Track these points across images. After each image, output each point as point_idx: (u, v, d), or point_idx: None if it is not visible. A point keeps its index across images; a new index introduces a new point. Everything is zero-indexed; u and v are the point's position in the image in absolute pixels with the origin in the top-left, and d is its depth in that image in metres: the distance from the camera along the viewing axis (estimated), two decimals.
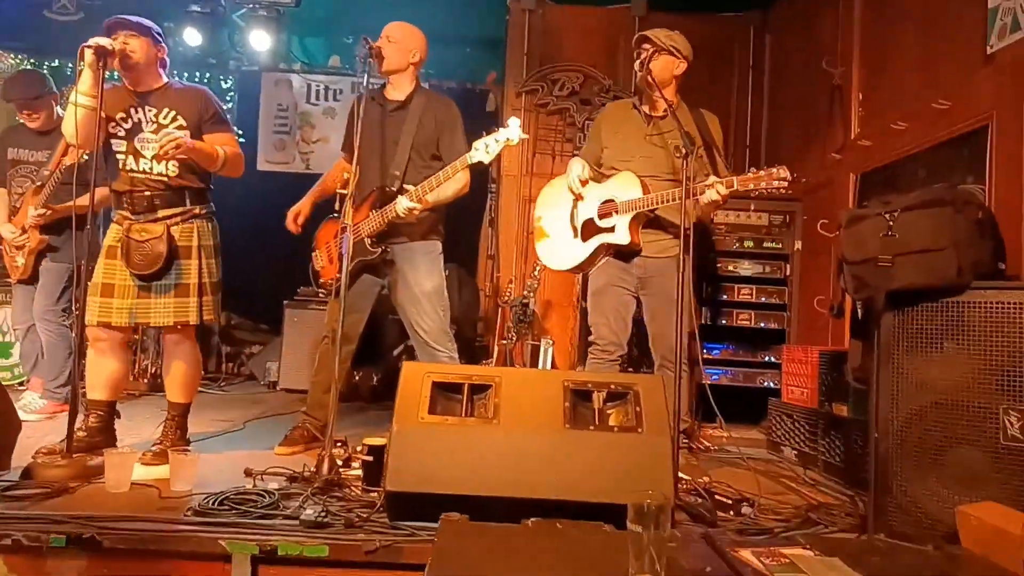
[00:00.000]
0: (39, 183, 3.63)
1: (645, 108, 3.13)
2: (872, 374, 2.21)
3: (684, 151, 2.57)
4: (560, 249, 3.16)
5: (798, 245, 4.10)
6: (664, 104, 2.97)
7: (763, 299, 4.07)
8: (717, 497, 2.42)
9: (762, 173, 2.66)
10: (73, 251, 3.57)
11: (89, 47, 2.58)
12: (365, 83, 2.89)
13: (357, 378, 4.64)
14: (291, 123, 6.36)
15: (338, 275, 2.68)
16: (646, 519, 1.50)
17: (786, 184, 2.62)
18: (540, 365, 4.19)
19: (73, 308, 4.09)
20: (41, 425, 3.28)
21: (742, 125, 5.27)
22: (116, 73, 2.79)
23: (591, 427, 2.13)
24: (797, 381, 3.41)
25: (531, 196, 5.31)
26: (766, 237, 4.10)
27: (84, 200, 3.46)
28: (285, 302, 5.11)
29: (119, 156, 2.76)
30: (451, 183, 2.92)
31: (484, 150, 2.79)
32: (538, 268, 4.29)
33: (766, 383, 4.00)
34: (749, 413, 3.82)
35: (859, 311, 2.39)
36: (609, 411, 2.21)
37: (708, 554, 1.77)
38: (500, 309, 4.58)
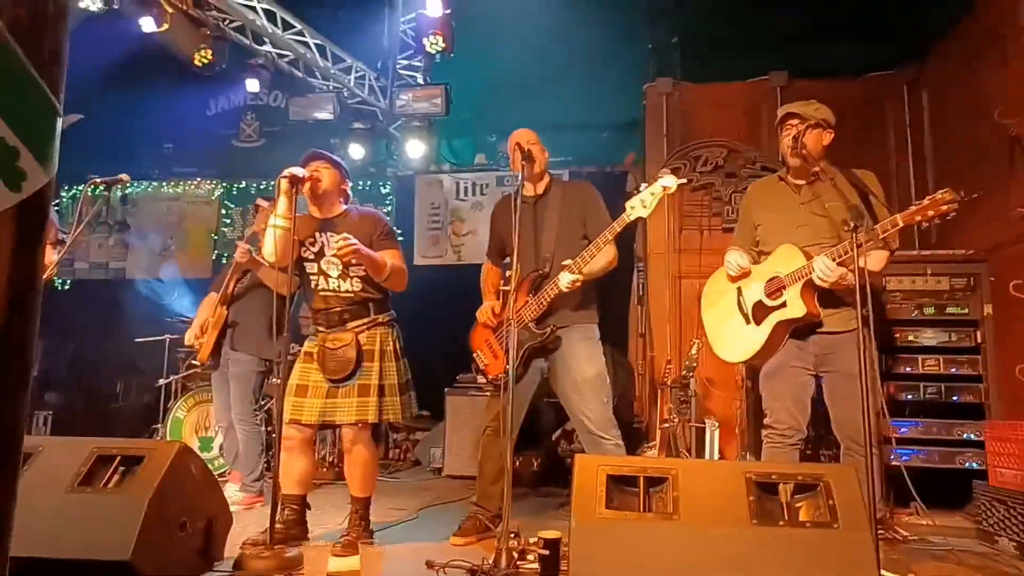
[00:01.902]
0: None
1: (793, 179, 3.04)
2: None
3: (853, 224, 2.47)
4: (735, 339, 3.02)
5: (988, 309, 3.72)
6: (815, 172, 2.91)
7: (953, 370, 3.69)
8: None
9: (925, 202, 2.51)
10: (254, 345, 3.98)
11: (284, 177, 2.92)
12: (520, 184, 3.09)
13: (517, 464, 4.68)
14: (443, 219, 6.79)
15: (507, 368, 2.76)
16: None
17: (955, 206, 2.45)
18: (707, 448, 4.04)
19: (262, 405, 4.49)
20: (240, 516, 3.57)
21: (904, 187, 4.98)
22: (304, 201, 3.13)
23: (780, 523, 2.03)
24: (1008, 462, 3.05)
25: (680, 272, 5.28)
26: (948, 302, 3.75)
27: (281, 276, 3.84)
28: (446, 389, 5.31)
29: (311, 277, 3.08)
30: (601, 256, 3.00)
31: (641, 205, 2.87)
32: (695, 346, 4.20)
33: (968, 463, 3.58)
34: (949, 497, 3.44)
35: None
36: (798, 504, 2.09)
37: None
38: (659, 390, 4.49)
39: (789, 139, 2.91)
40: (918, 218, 2.53)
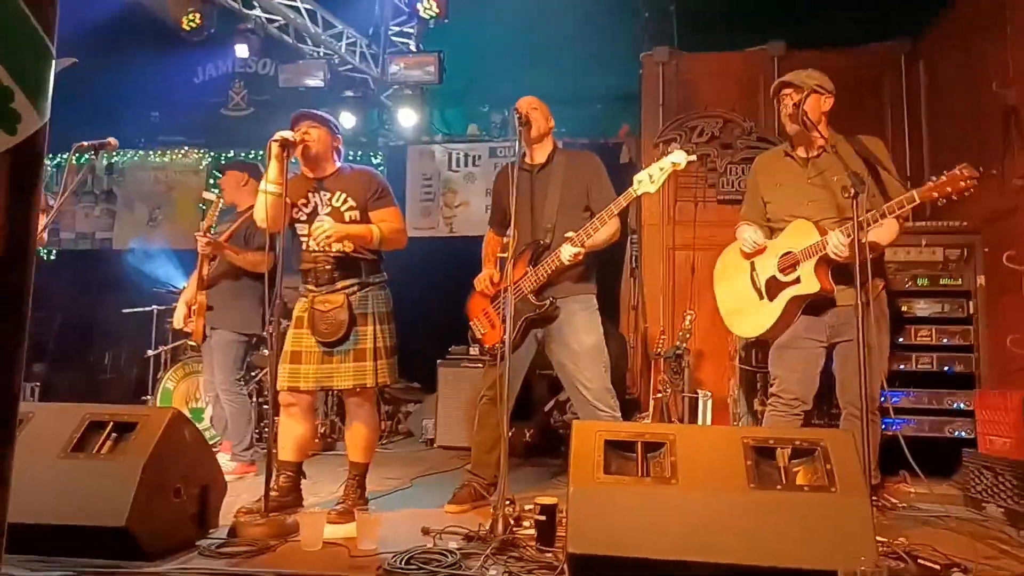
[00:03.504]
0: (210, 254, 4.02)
1: (798, 152, 3.02)
2: None
3: (854, 191, 2.45)
4: (748, 315, 3.04)
5: (981, 280, 3.73)
6: (819, 143, 2.88)
7: (945, 340, 3.71)
8: (921, 561, 2.21)
9: (943, 178, 2.49)
10: (234, 319, 3.95)
11: (275, 141, 2.87)
12: (520, 151, 3.03)
13: (510, 434, 4.67)
14: (435, 190, 6.73)
15: (504, 338, 2.75)
16: None
17: (974, 183, 2.44)
18: (699, 419, 4.06)
19: (253, 375, 4.48)
20: (234, 485, 3.55)
21: (900, 158, 4.96)
22: (296, 160, 3.08)
23: (778, 487, 2.04)
24: (997, 430, 3.09)
25: (674, 244, 5.27)
26: (942, 273, 3.77)
27: (254, 257, 3.79)
28: (438, 361, 5.30)
29: (303, 238, 3.03)
30: (604, 229, 2.98)
31: (648, 181, 2.84)
32: (689, 318, 4.20)
33: (957, 432, 3.62)
34: (938, 465, 3.47)
35: None
36: (796, 469, 2.11)
37: None
38: (652, 361, 4.50)
39: (789, 107, 2.89)
40: (935, 194, 2.51)
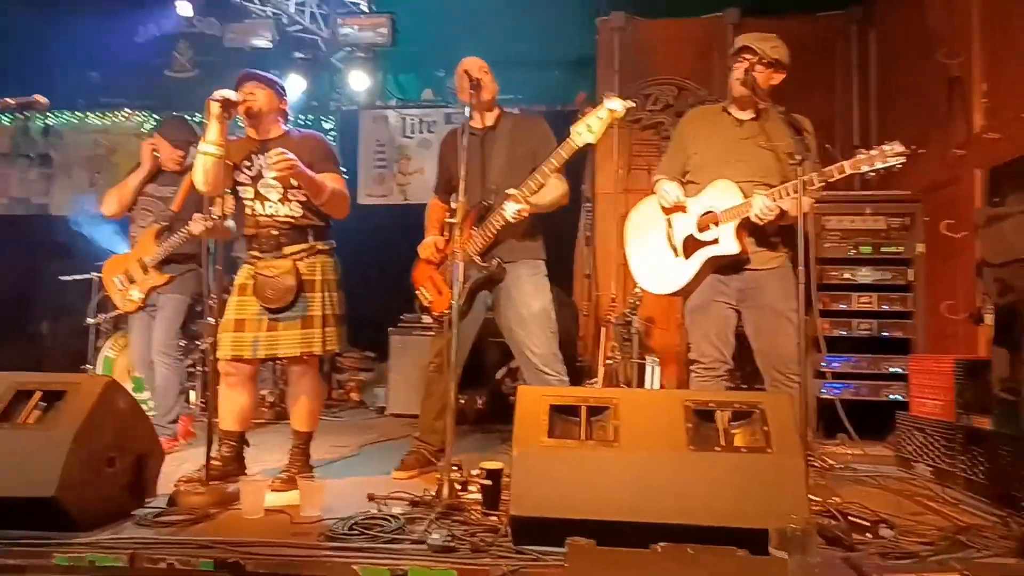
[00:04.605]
0: (163, 223, 3.86)
1: (737, 113, 3.01)
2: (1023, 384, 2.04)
3: (799, 157, 2.47)
4: (662, 272, 3.02)
5: (920, 248, 3.84)
6: (760, 107, 2.88)
7: (885, 307, 3.82)
8: (852, 519, 2.28)
9: (874, 152, 2.51)
10: (189, 285, 3.83)
11: (215, 100, 2.75)
12: (468, 114, 2.97)
13: (462, 401, 4.70)
14: (389, 157, 6.60)
15: (451, 303, 2.71)
16: (791, 545, 1.44)
17: (903, 160, 2.46)
18: (647, 384, 4.12)
19: (197, 345, 4.34)
20: (177, 455, 3.49)
21: (848, 125, 5.05)
22: (240, 122, 2.97)
23: (716, 448, 2.07)
24: (929, 393, 3.19)
25: (627, 212, 5.25)
26: (884, 241, 3.86)
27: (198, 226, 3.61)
28: (390, 329, 5.25)
29: (247, 203, 2.93)
30: (550, 189, 2.95)
31: (587, 131, 2.80)
32: (639, 286, 4.23)
33: (892, 396, 3.74)
34: (873, 427, 3.60)
35: (1002, 316, 2.22)
36: (734, 431, 2.14)
37: None
38: (603, 328, 4.53)
39: (740, 72, 2.88)
40: (865, 167, 2.53)
